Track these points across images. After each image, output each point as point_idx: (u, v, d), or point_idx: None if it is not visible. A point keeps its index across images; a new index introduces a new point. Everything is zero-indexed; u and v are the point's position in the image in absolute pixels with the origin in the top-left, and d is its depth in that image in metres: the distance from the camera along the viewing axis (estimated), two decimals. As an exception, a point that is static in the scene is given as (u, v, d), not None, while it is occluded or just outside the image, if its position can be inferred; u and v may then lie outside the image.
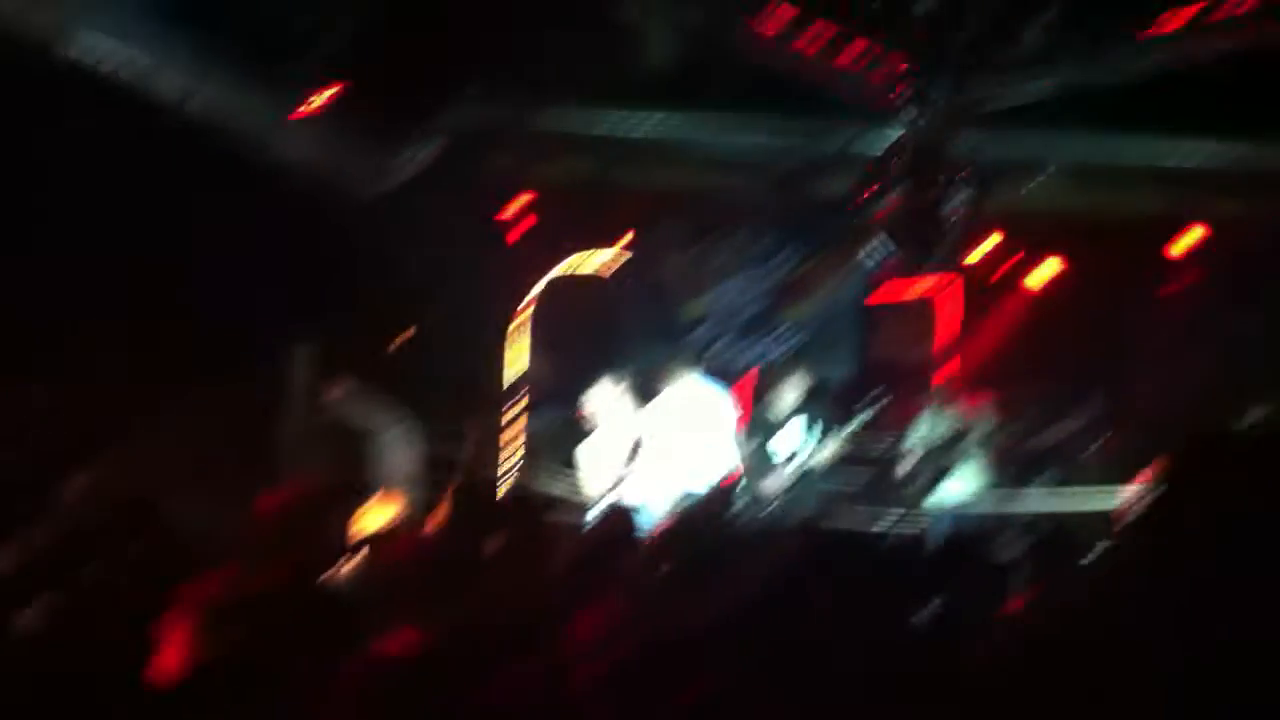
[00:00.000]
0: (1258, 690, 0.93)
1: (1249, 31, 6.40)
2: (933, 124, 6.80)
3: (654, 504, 8.37)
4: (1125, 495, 1.55)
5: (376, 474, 8.50)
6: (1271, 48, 6.43)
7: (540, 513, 5.11)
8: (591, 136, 9.32)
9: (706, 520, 6.81)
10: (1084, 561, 3.67)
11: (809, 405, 9.15)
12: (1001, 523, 9.22)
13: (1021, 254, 10.50)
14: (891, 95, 6.98)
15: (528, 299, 10.68)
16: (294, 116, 8.00)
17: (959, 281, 10.84)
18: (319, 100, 8.18)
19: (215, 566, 4.61)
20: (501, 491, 8.97)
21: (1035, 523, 9.58)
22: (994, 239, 9.90)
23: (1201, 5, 6.39)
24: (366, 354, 9.00)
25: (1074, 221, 9.62)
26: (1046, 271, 10.56)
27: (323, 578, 4.48)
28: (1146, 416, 9.69)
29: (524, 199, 10.27)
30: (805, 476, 9.05)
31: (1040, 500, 9.70)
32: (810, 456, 9.05)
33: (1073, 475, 9.74)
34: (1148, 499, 1.23)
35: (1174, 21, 6.55)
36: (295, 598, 3.99)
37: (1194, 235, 9.79)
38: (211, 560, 4.81)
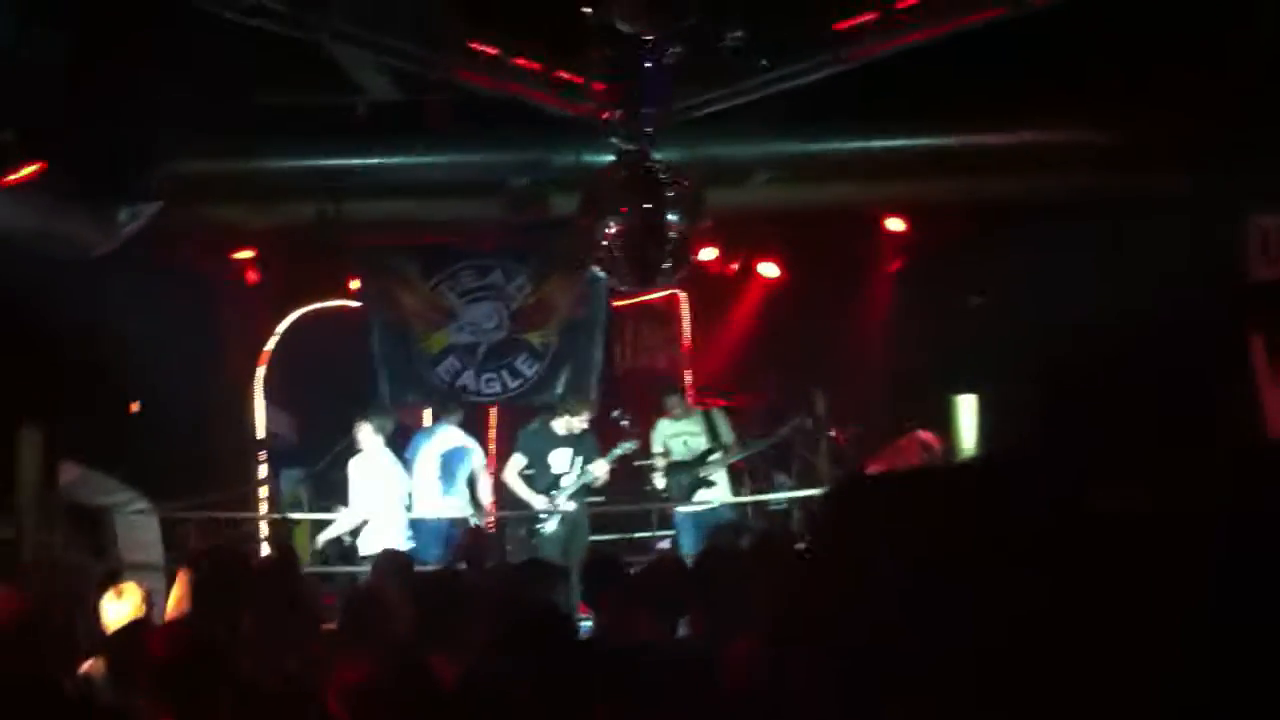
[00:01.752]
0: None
1: (937, 23, 6.78)
2: (642, 142, 6.98)
3: (412, 550, 8.37)
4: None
5: (119, 557, 8.15)
6: (955, 37, 6.83)
7: (297, 576, 5.03)
8: (313, 178, 9.15)
9: (466, 562, 6.87)
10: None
11: (561, 428, 9.27)
12: (745, 523, 9.58)
13: (742, 257, 10.88)
14: (602, 116, 7.13)
15: (263, 352, 10.42)
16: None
17: (686, 292, 11.17)
18: (22, 171, 7.78)
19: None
20: (255, 559, 8.75)
21: (773, 522, 10.01)
22: (715, 246, 10.18)
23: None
24: (96, 429, 8.60)
25: (789, 219, 9.99)
26: (767, 272, 10.97)
27: (68, 680, 4.29)
28: (862, 413, 10.21)
29: (249, 250, 10.03)
30: (568, 503, 9.17)
31: (778, 500, 10.09)
32: (569, 482, 9.16)
33: (805, 474, 10.15)
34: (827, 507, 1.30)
35: (866, 15, 6.89)
36: (38, 703, 3.81)
37: (900, 225, 10.28)
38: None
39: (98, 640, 4.86)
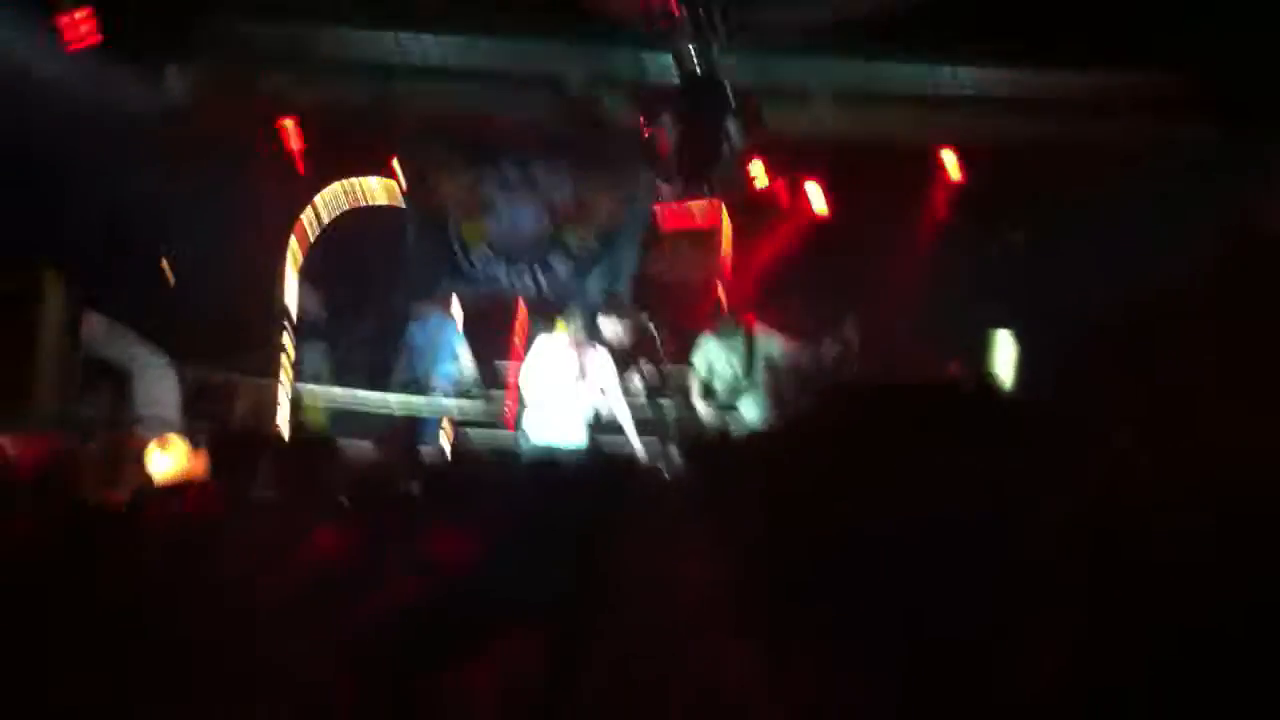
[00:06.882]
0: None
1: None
2: (706, 52, 6.85)
3: (430, 433, 8.38)
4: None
5: (140, 415, 8.15)
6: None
7: (316, 448, 5.01)
8: (365, 59, 9.01)
9: (481, 450, 6.86)
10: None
11: (594, 333, 9.20)
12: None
13: (790, 179, 10.71)
14: (667, 23, 6.99)
15: (297, 226, 10.34)
16: (58, 43, 7.53)
17: (730, 208, 11.01)
18: (78, 26, 7.71)
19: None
20: (277, 427, 8.77)
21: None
22: (764, 165, 9.97)
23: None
24: (127, 286, 8.58)
25: (840, 146, 9.84)
26: (813, 197, 10.82)
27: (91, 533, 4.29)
28: (894, 342, 10.11)
29: (293, 123, 9.91)
30: (589, 405, 9.13)
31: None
32: (595, 385, 9.11)
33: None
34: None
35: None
36: (58, 553, 3.81)
37: (952, 157, 10.16)
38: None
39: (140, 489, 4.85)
